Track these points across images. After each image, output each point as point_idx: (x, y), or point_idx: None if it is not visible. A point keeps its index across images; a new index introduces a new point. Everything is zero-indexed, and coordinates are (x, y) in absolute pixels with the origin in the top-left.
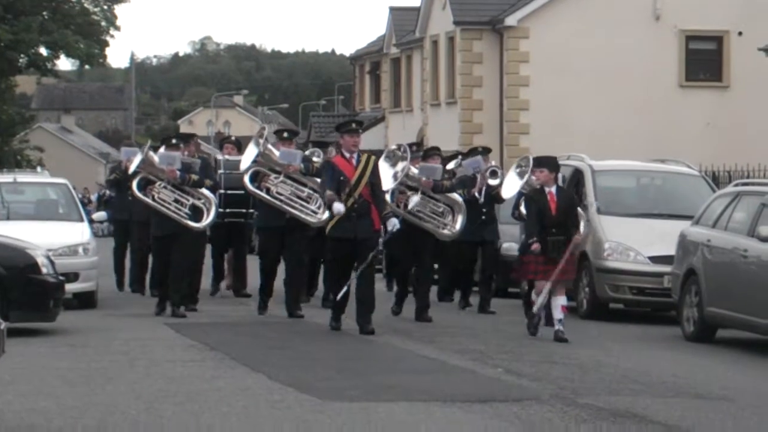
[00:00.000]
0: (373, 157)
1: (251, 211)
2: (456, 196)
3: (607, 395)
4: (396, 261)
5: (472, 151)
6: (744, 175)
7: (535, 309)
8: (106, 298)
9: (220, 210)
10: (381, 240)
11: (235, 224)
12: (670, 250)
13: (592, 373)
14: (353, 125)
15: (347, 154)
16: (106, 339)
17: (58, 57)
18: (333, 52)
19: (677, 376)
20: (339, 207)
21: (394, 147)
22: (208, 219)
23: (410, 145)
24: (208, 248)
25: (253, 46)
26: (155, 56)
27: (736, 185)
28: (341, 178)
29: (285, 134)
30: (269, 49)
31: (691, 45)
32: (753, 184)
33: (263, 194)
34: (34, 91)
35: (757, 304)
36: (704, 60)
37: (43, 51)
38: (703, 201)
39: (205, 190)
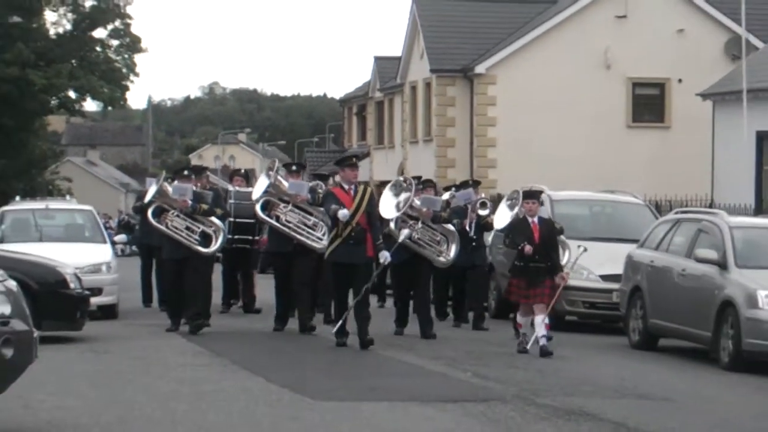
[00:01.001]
0: (369, 188)
1: (257, 237)
2: (450, 226)
3: (563, 396)
4: (397, 284)
5: (464, 184)
6: (683, 205)
7: (520, 331)
8: (126, 310)
9: (229, 236)
10: (374, 273)
11: (243, 249)
12: (619, 269)
13: (550, 377)
14: (353, 160)
15: (346, 186)
16: (126, 346)
17: (84, 99)
18: (325, 95)
19: (624, 380)
20: (344, 212)
21: (400, 179)
22: (216, 245)
23: (414, 178)
24: (218, 269)
25: (255, 90)
26: (169, 99)
27: (676, 213)
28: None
29: (293, 167)
30: (269, 93)
31: (637, 90)
32: (691, 212)
33: (273, 221)
34: (64, 129)
35: (694, 316)
36: (648, 104)
37: (71, 94)
38: (647, 227)
39: (214, 219)
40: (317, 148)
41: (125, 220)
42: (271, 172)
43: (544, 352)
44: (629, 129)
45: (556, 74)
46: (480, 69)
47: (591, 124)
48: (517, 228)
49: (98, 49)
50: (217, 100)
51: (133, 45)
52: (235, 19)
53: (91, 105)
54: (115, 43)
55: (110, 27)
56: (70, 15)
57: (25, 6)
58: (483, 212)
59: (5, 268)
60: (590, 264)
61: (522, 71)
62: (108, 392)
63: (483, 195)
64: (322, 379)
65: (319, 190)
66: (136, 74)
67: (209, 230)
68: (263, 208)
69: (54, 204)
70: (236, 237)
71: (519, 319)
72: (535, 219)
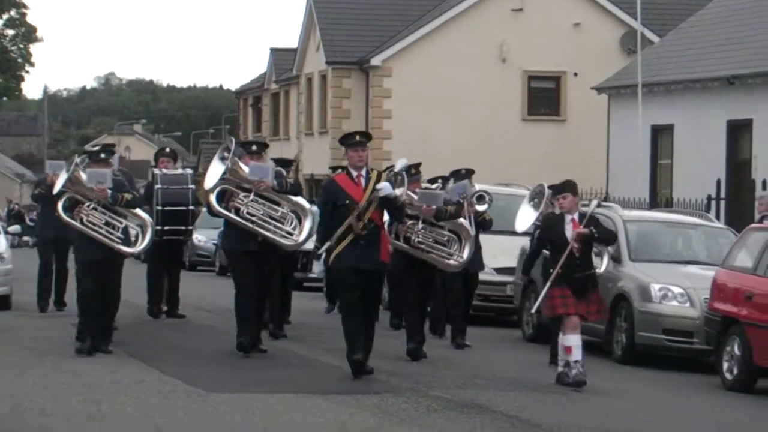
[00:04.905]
0: (384, 174)
1: (190, 228)
2: (463, 221)
3: (455, 389)
4: (398, 294)
5: (456, 174)
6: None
7: (566, 358)
8: (18, 302)
9: (158, 228)
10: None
11: (173, 242)
12: (512, 262)
13: (443, 370)
14: (357, 137)
15: (354, 172)
16: (18, 336)
17: None
18: (221, 87)
19: (517, 373)
20: (317, 268)
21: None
22: (143, 243)
23: (409, 168)
24: (143, 268)
25: (151, 81)
26: (65, 89)
27: None
28: (346, 201)
29: (254, 147)
30: (165, 84)
31: (533, 84)
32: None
33: (232, 215)
34: None
35: None
36: (544, 97)
37: None
38: None
39: (140, 211)
40: (213, 139)
41: (15, 209)
42: (226, 154)
43: (578, 381)
44: (525, 122)
45: (452, 67)
46: (376, 61)
47: (487, 117)
48: (551, 226)
49: None
50: (113, 90)
51: (29, 35)
52: (131, 9)
53: None
54: (10, 32)
55: (6, 16)
56: None
57: None
58: (481, 207)
59: None
60: (484, 257)
61: (418, 64)
62: (0, 383)
63: (477, 186)
64: (215, 371)
65: (289, 179)
66: (32, 64)
67: (134, 225)
68: (219, 199)
69: None
70: (166, 228)
71: (567, 341)
72: (575, 216)
